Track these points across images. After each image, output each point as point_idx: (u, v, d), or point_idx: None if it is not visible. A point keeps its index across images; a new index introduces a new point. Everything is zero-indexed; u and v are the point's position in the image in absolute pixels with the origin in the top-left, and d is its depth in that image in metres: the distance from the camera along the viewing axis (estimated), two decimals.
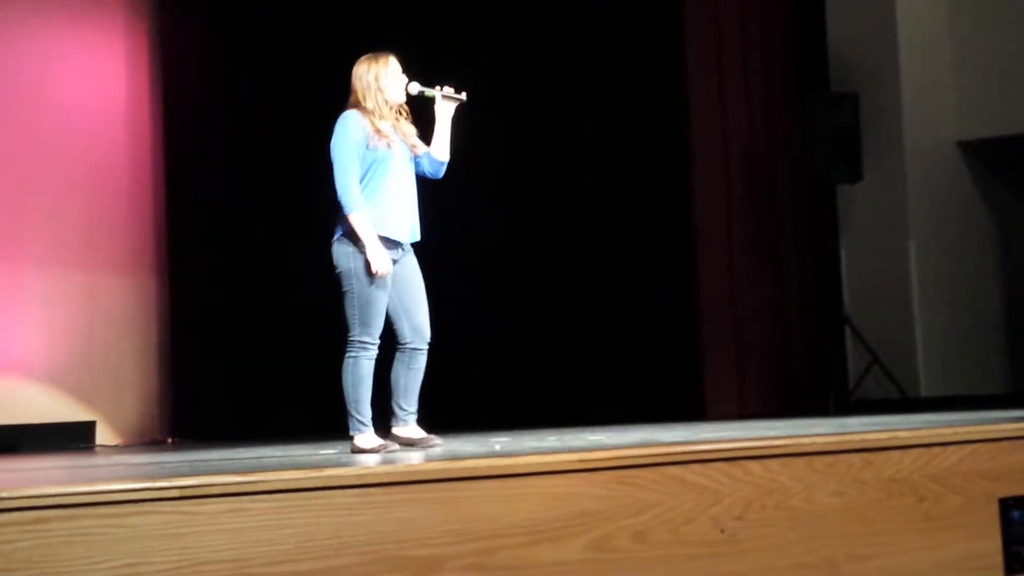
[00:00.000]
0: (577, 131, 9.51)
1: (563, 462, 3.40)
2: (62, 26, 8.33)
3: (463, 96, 5.11)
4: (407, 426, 5.08)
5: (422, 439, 5.02)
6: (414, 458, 4.13)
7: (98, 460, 6.01)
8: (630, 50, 9.48)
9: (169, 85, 8.61)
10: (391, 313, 5.01)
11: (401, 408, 5.07)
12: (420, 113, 5.18)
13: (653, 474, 3.48)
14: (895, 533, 3.87)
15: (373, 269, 4.85)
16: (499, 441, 5.22)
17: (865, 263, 9.91)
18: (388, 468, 3.21)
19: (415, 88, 5.07)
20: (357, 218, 4.87)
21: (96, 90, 8.44)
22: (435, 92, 5.10)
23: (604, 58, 9.49)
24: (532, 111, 9.31)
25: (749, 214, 9.58)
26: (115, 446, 8.05)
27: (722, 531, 3.54)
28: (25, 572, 2.76)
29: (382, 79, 5.00)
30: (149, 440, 8.31)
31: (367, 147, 4.93)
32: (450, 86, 5.12)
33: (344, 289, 4.94)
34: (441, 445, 4.94)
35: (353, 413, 4.92)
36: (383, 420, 5.07)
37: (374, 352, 4.93)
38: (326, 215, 5.06)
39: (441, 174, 5.15)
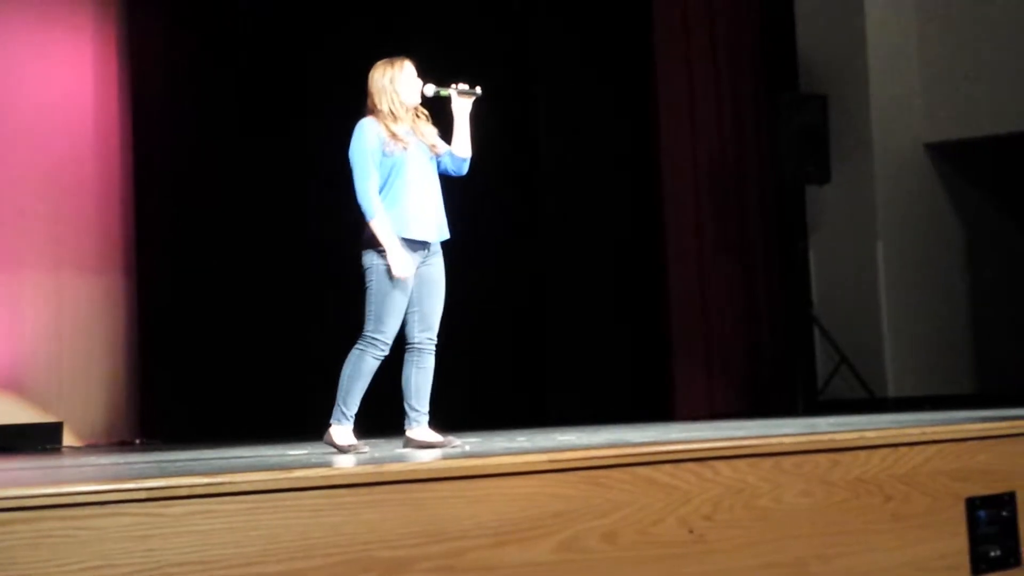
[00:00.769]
0: (545, 133, 9.50)
1: (533, 463, 3.40)
2: (30, 26, 8.27)
3: (478, 90, 5.15)
4: (420, 427, 5.07)
5: (440, 441, 5.00)
6: (382, 459, 4.11)
7: (65, 461, 5.97)
8: (599, 51, 9.49)
9: (137, 85, 8.56)
10: (407, 311, 5.04)
11: (414, 409, 5.07)
12: (439, 114, 5.21)
13: (623, 474, 3.48)
14: (863, 533, 3.88)
15: (399, 270, 4.91)
16: (469, 442, 5.22)
17: (833, 264, 9.97)
18: (356, 469, 3.20)
19: (431, 90, 5.12)
20: (377, 224, 4.93)
21: (64, 90, 8.38)
22: (450, 91, 5.14)
23: (572, 59, 9.49)
24: (500, 113, 9.28)
25: (719, 214, 9.61)
26: (82, 447, 7.99)
27: (691, 531, 3.54)
28: None
29: (397, 82, 5.04)
30: (117, 441, 8.27)
31: (383, 153, 4.98)
32: (464, 83, 5.15)
33: (367, 284, 4.99)
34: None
35: (340, 403, 4.95)
36: (398, 423, 5.07)
37: (383, 352, 4.95)
38: (353, 221, 5.08)
39: (464, 171, 5.19)
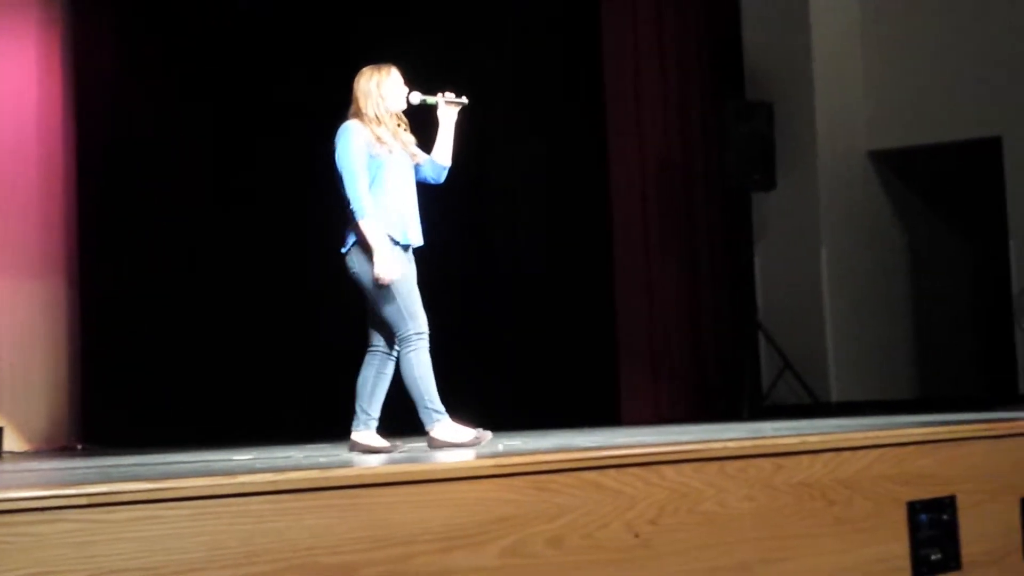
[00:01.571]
0: (491, 139, 9.49)
1: (479, 467, 3.39)
2: None
3: (464, 100, 5.20)
4: (368, 431, 5.09)
5: (386, 447, 5.05)
6: (327, 464, 4.10)
7: (5, 467, 5.91)
8: (546, 54, 9.50)
9: (81, 89, 8.48)
10: (379, 316, 5.05)
11: (366, 412, 5.09)
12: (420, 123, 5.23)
13: (569, 479, 3.48)
14: (806, 537, 3.91)
15: (384, 272, 4.91)
16: (414, 448, 5.21)
17: (778, 270, 10.04)
18: (300, 475, 3.18)
19: (416, 98, 5.16)
20: (368, 223, 4.94)
21: (6, 94, 8.28)
22: (437, 99, 5.19)
23: (520, 66, 9.50)
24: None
25: (665, 220, 9.66)
26: (23, 452, 7.91)
27: (636, 536, 3.55)
28: None
29: (383, 87, 5.08)
30: (58, 446, 8.18)
31: (370, 155, 5.01)
32: (451, 91, 5.19)
33: (374, 295, 4.98)
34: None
35: (428, 405, 5.01)
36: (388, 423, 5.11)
37: (427, 341, 5.03)
38: (336, 225, 5.08)
39: (443, 179, 5.25)
